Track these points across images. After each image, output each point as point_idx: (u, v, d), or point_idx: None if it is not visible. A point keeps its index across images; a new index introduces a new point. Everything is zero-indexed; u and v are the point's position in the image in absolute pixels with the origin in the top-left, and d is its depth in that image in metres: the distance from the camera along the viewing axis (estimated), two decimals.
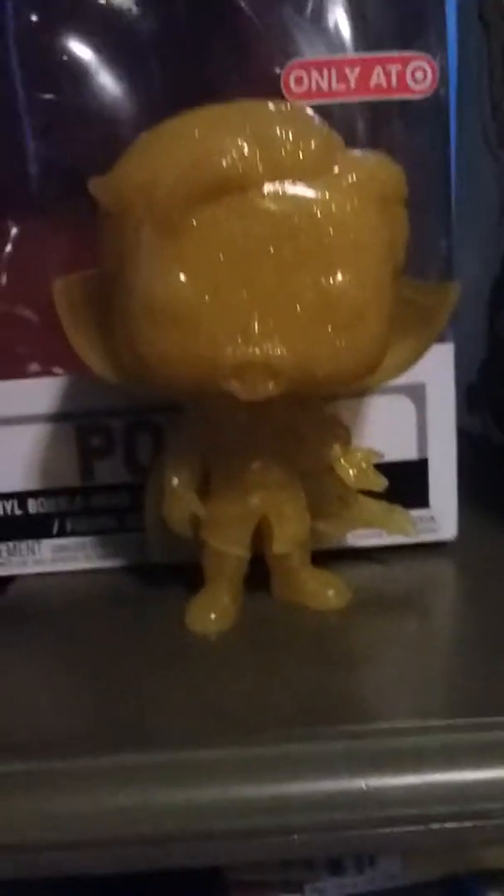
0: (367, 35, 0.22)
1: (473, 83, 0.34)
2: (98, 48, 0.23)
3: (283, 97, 0.22)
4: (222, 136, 0.17)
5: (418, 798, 0.15)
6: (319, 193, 0.17)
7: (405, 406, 0.23)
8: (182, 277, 0.17)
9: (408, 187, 0.19)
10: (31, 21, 0.23)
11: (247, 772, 0.16)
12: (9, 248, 0.24)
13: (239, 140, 0.16)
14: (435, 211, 0.23)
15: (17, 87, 0.23)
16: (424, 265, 0.22)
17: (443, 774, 0.15)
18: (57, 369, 0.24)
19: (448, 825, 0.15)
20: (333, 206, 0.17)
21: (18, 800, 0.16)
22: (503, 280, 0.32)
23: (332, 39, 0.22)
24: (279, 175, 0.17)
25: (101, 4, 0.23)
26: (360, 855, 0.22)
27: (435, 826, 0.15)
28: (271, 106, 0.17)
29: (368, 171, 0.17)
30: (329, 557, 0.23)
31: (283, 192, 0.17)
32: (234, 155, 0.16)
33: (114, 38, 0.23)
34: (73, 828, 0.16)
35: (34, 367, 0.24)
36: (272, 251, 0.17)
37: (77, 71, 0.23)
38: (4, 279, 0.23)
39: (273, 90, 0.22)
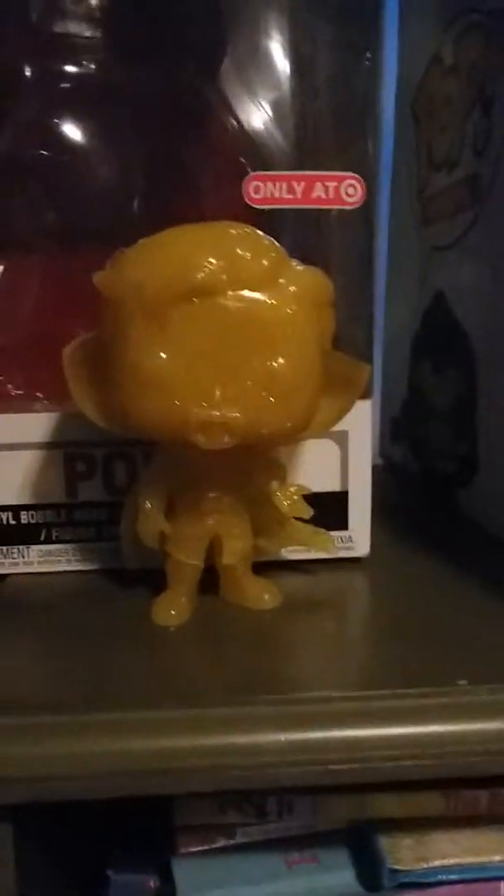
0: (312, 146, 0.28)
1: (406, 166, 0.40)
2: (87, 116, 0.28)
3: (241, 184, 0.27)
4: (198, 253, 0.22)
5: (321, 747, 0.21)
6: (268, 299, 0.22)
7: (332, 449, 0.29)
8: (163, 355, 0.22)
9: (339, 276, 0.25)
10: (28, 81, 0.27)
11: (191, 728, 0.21)
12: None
13: (210, 258, 0.22)
14: (360, 294, 0.28)
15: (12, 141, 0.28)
16: (353, 333, 0.28)
17: (342, 731, 0.21)
18: (39, 394, 0.29)
19: (342, 766, 0.21)
20: (278, 309, 0.22)
21: (12, 744, 0.21)
22: (421, 336, 0.38)
23: (285, 148, 0.27)
24: (239, 285, 0.22)
25: (95, 79, 0.28)
26: (281, 805, 0.28)
27: (332, 767, 0.21)
28: (233, 231, 0.23)
29: (305, 283, 0.23)
30: (267, 567, 0.28)
31: (242, 298, 0.22)
32: (206, 270, 0.22)
33: (103, 113, 0.28)
34: (61, 765, 0.21)
35: (17, 391, 0.29)
36: (232, 340, 0.22)
37: (65, 132, 0.28)
38: None
39: (234, 175, 0.27)
